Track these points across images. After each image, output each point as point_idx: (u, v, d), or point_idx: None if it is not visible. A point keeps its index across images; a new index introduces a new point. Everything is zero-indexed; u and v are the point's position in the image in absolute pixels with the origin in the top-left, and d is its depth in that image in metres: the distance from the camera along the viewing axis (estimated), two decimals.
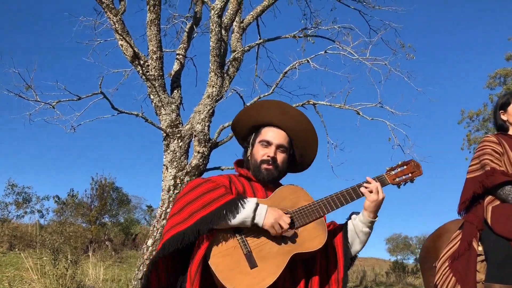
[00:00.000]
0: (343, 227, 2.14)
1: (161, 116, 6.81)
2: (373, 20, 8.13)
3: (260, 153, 2.13)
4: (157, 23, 6.77)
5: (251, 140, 2.21)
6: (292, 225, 1.95)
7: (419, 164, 2.09)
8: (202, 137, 6.46)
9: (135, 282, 6.05)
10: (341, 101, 6.12)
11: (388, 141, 6.26)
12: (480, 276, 2.75)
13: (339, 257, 2.08)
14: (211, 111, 6.53)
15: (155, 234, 6.22)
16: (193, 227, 1.83)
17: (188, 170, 6.43)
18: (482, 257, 2.80)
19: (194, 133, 6.48)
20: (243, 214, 1.85)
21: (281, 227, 1.87)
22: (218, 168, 6.76)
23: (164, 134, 6.64)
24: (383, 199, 2.02)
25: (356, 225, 2.08)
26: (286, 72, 6.25)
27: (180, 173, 6.41)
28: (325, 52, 6.28)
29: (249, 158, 2.19)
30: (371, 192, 2.01)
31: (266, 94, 6.39)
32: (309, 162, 2.31)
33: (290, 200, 2.02)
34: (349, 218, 2.16)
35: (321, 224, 1.99)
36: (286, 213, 1.95)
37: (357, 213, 2.12)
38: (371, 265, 27.35)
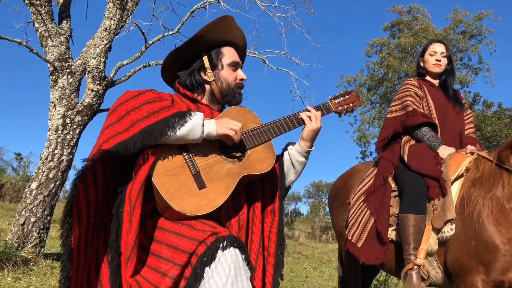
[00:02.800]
0: (279, 157, 2.08)
1: (47, 48, 6.06)
2: None
3: (232, 76, 1.98)
4: None
5: (209, 62, 1.99)
6: (242, 146, 1.85)
7: (360, 95, 2.12)
8: (97, 73, 5.92)
9: (15, 228, 5.48)
10: (249, 47, 6.02)
11: (290, 93, 6.35)
12: (393, 210, 2.93)
13: (275, 187, 2.03)
14: (108, 45, 5.98)
15: (40, 177, 5.64)
16: (138, 135, 1.62)
17: (80, 109, 5.88)
18: (396, 193, 2.99)
19: (88, 68, 5.91)
20: (193, 122, 1.70)
21: (236, 130, 1.77)
22: None
23: (52, 68, 5.94)
24: (320, 128, 2.02)
25: (292, 155, 2.05)
26: (193, 11, 5.92)
27: (70, 112, 5.84)
28: None
29: (212, 82, 1.98)
30: (311, 120, 1.99)
31: (171, 32, 6.02)
32: None
33: (240, 121, 1.89)
34: (285, 149, 2.12)
35: (269, 147, 1.92)
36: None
37: (293, 144, 2.09)
38: None
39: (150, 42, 6.02)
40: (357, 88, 25.47)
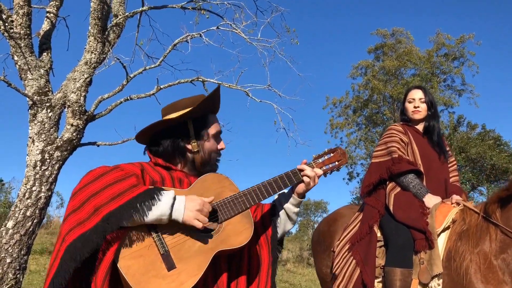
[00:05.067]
0: (271, 213, 2.01)
1: (27, 81, 5.93)
2: (261, 0, 8.06)
3: (215, 146, 1.93)
4: None
5: (193, 132, 1.89)
6: (216, 218, 1.74)
7: (345, 152, 2.02)
8: (77, 108, 5.79)
9: None
10: (232, 81, 5.97)
11: (274, 124, 6.31)
12: (379, 261, 2.84)
13: (264, 253, 1.94)
14: (88, 79, 5.87)
15: (17, 215, 5.45)
16: (99, 226, 1.49)
17: (59, 144, 5.73)
18: (381, 243, 2.90)
19: (68, 103, 5.78)
20: (159, 210, 1.57)
21: (202, 222, 1.65)
22: (93, 143, 6.14)
23: (31, 102, 5.81)
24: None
25: (288, 208, 1.98)
26: (175, 44, 5.86)
27: (49, 147, 5.68)
28: (217, 28, 6.01)
29: (197, 151, 1.89)
30: (309, 178, 1.92)
31: (153, 66, 5.94)
32: None
33: (214, 190, 1.79)
34: (277, 203, 2.04)
35: (247, 216, 1.80)
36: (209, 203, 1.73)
37: (283, 193, 2.02)
38: None
39: (131, 75, 5.93)
40: (343, 109, 25.64)
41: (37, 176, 5.60)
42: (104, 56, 6.06)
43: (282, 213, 2.00)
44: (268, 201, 1.98)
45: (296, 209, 1.99)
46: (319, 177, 1.92)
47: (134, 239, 1.58)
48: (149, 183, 1.75)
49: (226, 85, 6.00)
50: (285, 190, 1.94)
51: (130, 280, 1.51)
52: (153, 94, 6.04)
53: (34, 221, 5.56)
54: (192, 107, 1.87)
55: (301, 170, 1.91)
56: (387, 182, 3.03)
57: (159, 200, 1.58)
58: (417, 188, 2.89)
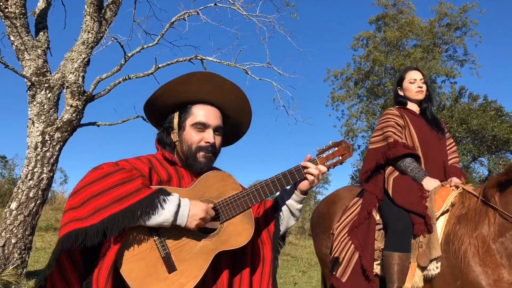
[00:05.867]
0: (274, 210, 2.00)
1: (24, 62, 5.90)
2: None
3: (195, 138, 1.82)
4: None
5: (177, 121, 1.87)
6: (218, 218, 1.73)
7: (350, 146, 1.95)
8: (75, 89, 5.76)
9: None
10: (230, 59, 5.91)
11: (273, 101, 6.27)
12: (378, 244, 2.87)
13: (266, 250, 1.94)
14: (86, 59, 5.82)
15: (20, 196, 5.50)
16: (98, 226, 1.49)
17: (59, 125, 5.73)
18: (380, 226, 2.93)
19: (66, 84, 5.75)
20: (162, 217, 1.57)
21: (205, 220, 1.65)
22: (93, 123, 6.14)
23: (29, 83, 5.78)
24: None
25: (291, 205, 1.95)
26: (173, 22, 5.77)
27: (49, 129, 5.69)
28: (215, 4, 5.92)
29: (176, 143, 1.86)
30: (313, 176, 1.87)
31: (150, 44, 5.87)
32: (240, 136, 2.10)
33: (217, 189, 1.78)
34: (280, 200, 2.01)
35: (248, 216, 1.79)
36: (211, 207, 1.72)
37: (285, 189, 1.97)
38: None
39: (129, 54, 5.87)
40: (344, 82, 25.45)
41: (38, 157, 5.62)
42: (101, 35, 5.99)
43: (285, 209, 1.96)
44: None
45: (299, 206, 1.96)
46: (323, 174, 1.88)
47: (136, 242, 1.58)
48: (156, 182, 1.74)
49: (226, 64, 5.95)
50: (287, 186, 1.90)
51: (132, 284, 1.54)
52: (151, 73, 6.00)
53: (37, 202, 5.62)
54: (151, 96, 1.86)
55: (305, 167, 1.86)
56: (386, 167, 3.04)
57: (163, 208, 1.56)
58: (415, 172, 2.89)
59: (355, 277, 2.89)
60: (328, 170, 1.92)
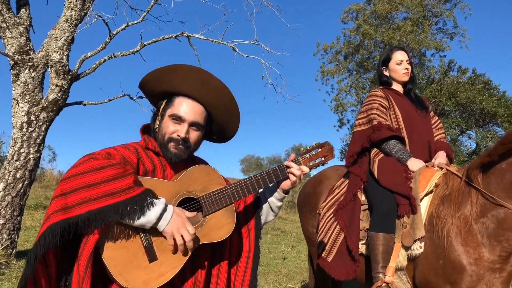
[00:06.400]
0: (255, 205, 2.05)
1: (6, 40, 5.77)
2: None
3: (170, 129, 1.83)
4: None
5: (161, 109, 1.87)
6: (201, 211, 1.77)
7: (333, 148, 2.01)
8: (60, 68, 5.66)
9: None
10: (217, 36, 5.83)
11: (262, 79, 6.24)
12: (363, 224, 2.92)
13: (251, 243, 1.99)
14: (70, 38, 5.70)
15: (7, 177, 5.47)
16: (83, 216, 1.51)
17: (45, 105, 5.66)
18: (365, 206, 2.97)
19: (51, 63, 5.64)
20: (145, 218, 1.59)
21: (182, 239, 1.66)
22: (79, 103, 6.07)
23: (12, 62, 5.67)
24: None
25: (272, 202, 2.01)
26: None
27: (34, 109, 5.62)
28: None
29: (157, 129, 1.87)
30: (295, 177, 1.91)
31: (135, 22, 5.76)
32: (227, 138, 2.09)
33: (202, 183, 1.81)
34: (262, 196, 2.07)
35: (230, 210, 1.83)
36: (195, 198, 1.75)
37: (267, 190, 2.04)
38: None
39: (114, 32, 5.76)
40: (334, 55, 25.33)
41: (24, 138, 5.57)
42: (85, 12, 5.86)
43: (265, 206, 2.02)
44: None
45: (280, 203, 2.01)
46: (305, 174, 1.92)
47: (120, 231, 1.61)
48: (142, 172, 1.77)
49: (213, 41, 5.87)
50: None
51: (112, 270, 1.58)
52: (137, 51, 5.91)
53: (25, 183, 5.59)
54: (141, 79, 1.87)
55: (288, 167, 1.89)
56: (371, 149, 3.06)
57: (149, 210, 1.59)
58: (399, 153, 2.92)
59: (340, 257, 2.94)
60: (310, 171, 1.96)
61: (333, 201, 3.17)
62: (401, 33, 21.51)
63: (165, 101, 1.89)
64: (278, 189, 1.97)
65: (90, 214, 1.51)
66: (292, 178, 1.90)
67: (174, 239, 1.65)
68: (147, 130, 1.95)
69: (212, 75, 1.84)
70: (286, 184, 1.94)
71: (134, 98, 6.03)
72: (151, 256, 1.64)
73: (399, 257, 2.70)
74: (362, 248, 2.91)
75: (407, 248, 2.68)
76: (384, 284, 2.69)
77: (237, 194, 1.82)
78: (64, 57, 5.67)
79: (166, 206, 1.65)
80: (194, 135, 1.87)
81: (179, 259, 1.68)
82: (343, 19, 25.05)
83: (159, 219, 1.62)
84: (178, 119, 1.83)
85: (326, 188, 3.40)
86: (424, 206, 2.72)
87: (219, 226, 1.79)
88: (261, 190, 1.95)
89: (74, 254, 1.63)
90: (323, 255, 3.06)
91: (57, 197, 1.55)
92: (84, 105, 6.09)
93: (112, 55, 5.91)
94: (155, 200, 1.62)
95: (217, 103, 1.90)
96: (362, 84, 24.19)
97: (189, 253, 1.70)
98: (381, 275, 2.70)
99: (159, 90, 1.90)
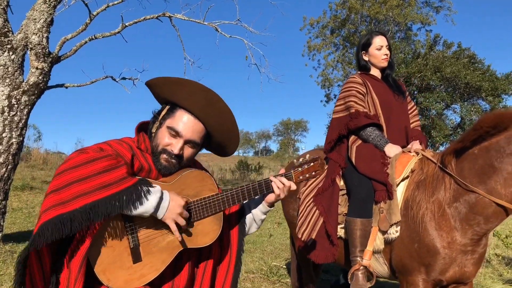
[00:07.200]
0: (240, 216, 2.08)
1: None
2: None
3: (165, 140, 1.82)
4: None
5: (161, 115, 1.86)
6: (190, 216, 1.80)
7: (324, 163, 2.07)
8: (40, 50, 5.58)
9: None
10: (199, 17, 5.77)
11: (245, 59, 6.22)
12: (342, 209, 2.99)
13: (233, 250, 2.03)
14: (49, 19, 5.60)
15: None
16: (81, 211, 1.49)
17: (26, 88, 5.59)
18: (344, 192, 3.03)
19: (30, 45, 5.56)
20: (143, 207, 1.61)
21: (180, 223, 1.71)
22: (61, 85, 6.01)
23: None
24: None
25: (256, 215, 2.05)
26: None
27: (15, 92, 5.55)
28: None
29: (153, 133, 1.87)
30: (279, 190, 1.92)
31: (116, 2, 5.67)
32: (224, 155, 2.10)
33: (194, 188, 1.84)
34: (246, 207, 2.11)
35: (218, 219, 1.87)
36: (186, 203, 1.77)
37: (253, 199, 2.07)
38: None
39: (94, 13, 5.67)
40: (320, 30, 25.16)
41: (6, 122, 5.52)
42: None
43: (248, 217, 2.06)
44: None
45: (263, 216, 2.05)
46: (288, 189, 1.92)
47: (108, 230, 1.64)
48: (137, 168, 1.77)
49: (195, 21, 5.81)
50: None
51: (96, 269, 1.62)
52: (118, 32, 5.83)
53: (8, 167, 5.57)
54: (150, 80, 1.86)
55: (273, 181, 1.90)
56: (349, 136, 3.11)
57: (147, 199, 1.61)
58: (376, 140, 2.98)
59: (320, 241, 3.02)
60: (297, 183, 1.97)
61: (313, 186, 3.23)
62: (387, 7, 21.40)
63: (167, 108, 1.88)
64: (263, 202, 2.00)
65: (86, 208, 1.50)
66: (277, 191, 1.90)
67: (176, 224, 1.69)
68: (143, 127, 1.93)
69: (221, 98, 1.82)
70: (270, 198, 1.96)
71: (117, 80, 5.98)
72: (136, 257, 1.68)
73: (376, 241, 2.79)
74: (340, 232, 2.99)
75: (384, 232, 2.76)
76: (361, 267, 2.79)
77: (226, 203, 1.85)
78: (43, 39, 5.58)
79: (162, 194, 1.67)
80: (188, 151, 1.87)
81: (162, 261, 1.73)
82: None
83: (157, 206, 1.64)
84: (175, 133, 1.82)
85: None
86: (400, 192, 2.79)
87: (204, 233, 1.83)
88: (245, 201, 1.97)
89: (63, 248, 1.65)
90: (303, 238, 3.14)
91: (50, 193, 1.53)
92: (66, 87, 6.03)
93: (93, 37, 5.83)
94: (151, 189, 1.64)
95: (219, 126, 1.89)
96: (348, 59, 24.16)
97: (173, 257, 1.75)
98: (359, 258, 2.79)
99: (163, 97, 1.90)
